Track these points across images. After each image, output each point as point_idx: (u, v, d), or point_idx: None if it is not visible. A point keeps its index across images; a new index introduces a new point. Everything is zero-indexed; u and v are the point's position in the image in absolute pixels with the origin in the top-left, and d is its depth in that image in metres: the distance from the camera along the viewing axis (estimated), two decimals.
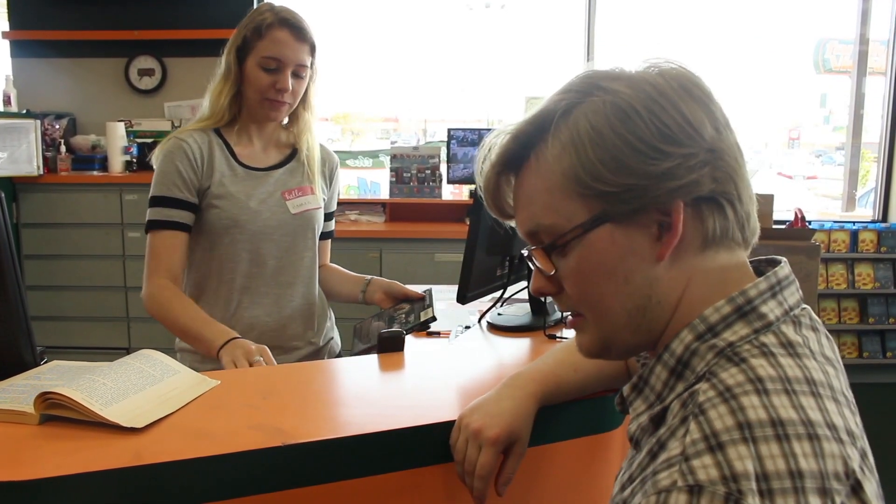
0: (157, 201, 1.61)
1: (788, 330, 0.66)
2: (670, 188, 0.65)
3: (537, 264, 0.74)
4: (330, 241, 1.89)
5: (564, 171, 0.68)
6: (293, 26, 1.59)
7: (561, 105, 0.69)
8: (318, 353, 1.78)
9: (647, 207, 0.66)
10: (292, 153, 1.75)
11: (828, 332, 0.73)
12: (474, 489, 0.96)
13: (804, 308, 0.71)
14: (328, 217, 1.84)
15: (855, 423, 0.65)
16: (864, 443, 0.65)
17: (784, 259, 0.72)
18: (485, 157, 0.76)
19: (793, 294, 0.70)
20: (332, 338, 1.85)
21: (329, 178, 1.81)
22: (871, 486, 0.60)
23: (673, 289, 0.69)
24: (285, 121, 1.75)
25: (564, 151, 0.68)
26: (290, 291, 1.71)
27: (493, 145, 0.74)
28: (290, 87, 1.61)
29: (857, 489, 0.58)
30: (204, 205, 1.63)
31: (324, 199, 1.79)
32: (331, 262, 1.89)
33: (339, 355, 1.84)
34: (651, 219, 0.67)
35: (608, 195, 0.67)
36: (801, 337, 0.66)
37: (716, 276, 0.69)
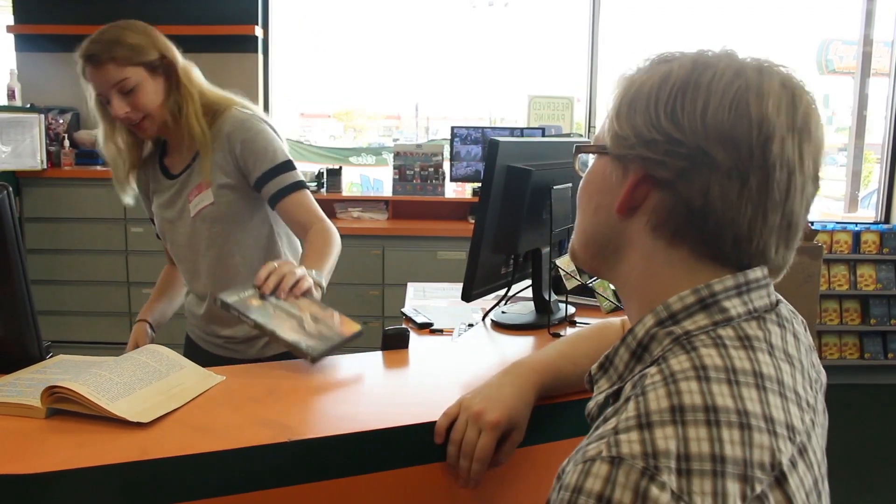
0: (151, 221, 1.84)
1: (750, 326, 0.68)
2: (644, 155, 0.69)
3: None
4: (292, 196, 1.63)
5: (614, 105, 0.75)
6: (89, 58, 1.56)
7: (661, 56, 0.74)
8: (244, 343, 1.73)
9: (629, 160, 0.71)
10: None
11: (799, 331, 0.74)
12: (471, 471, 0.97)
13: (773, 310, 0.71)
14: (265, 178, 1.62)
15: (801, 419, 0.65)
16: (806, 439, 0.65)
17: (763, 266, 0.71)
18: None
19: (762, 298, 0.70)
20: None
21: (233, 151, 1.62)
22: (797, 480, 0.61)
23: (629, 248, 0.74)
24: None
25: (620, 89, 0.74)
26: (204, 288, 1.74)
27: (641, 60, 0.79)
28: (124, 110, 1.55)
29: (781, 480, 0.60)
30: None
31: (235, 180, 1.64)
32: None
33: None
34: (628, 172, 0.72)
35: (615, 134, 0.72)
36: (764, 332, 0.68)
37: (681, 270, 0.71)
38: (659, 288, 0.71)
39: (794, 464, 0.61)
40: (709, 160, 0.66)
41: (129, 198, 1.74)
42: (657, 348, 0.69)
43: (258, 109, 1.73)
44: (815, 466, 0.65)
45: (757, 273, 0.70)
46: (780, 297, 0.75)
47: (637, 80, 0.72)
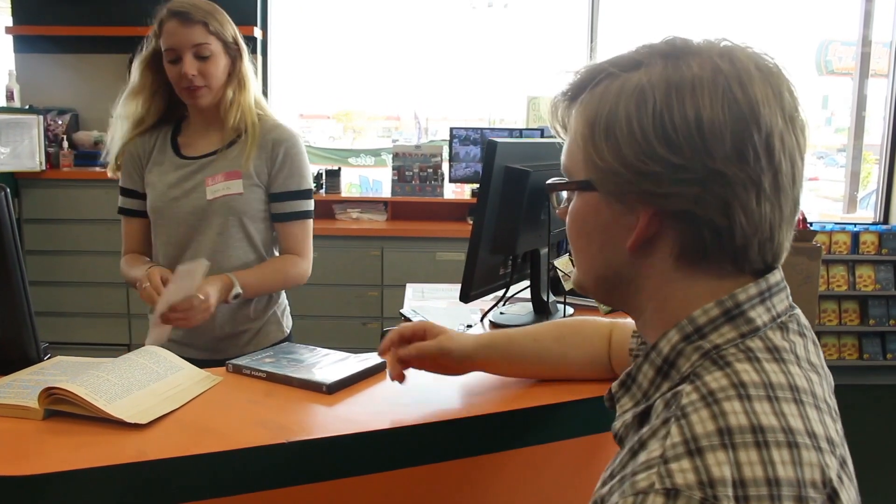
0: (120, 191, 1.83)
1: (775, 335, 0.66)
2: (648, 190, 0.65)
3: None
4: (294, 223, 1.77)
5: (582, 131, 0.70)
6: (178, 13, 1.64)
7: (615, 66, 0.69)
8: (232, 338, 1.78)
9: (628, 197, 0.67)
10: (239, 136, 1.74)
11: (815, 338, 0.73)
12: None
13: (792, 314, 0.70)
14: (282, 197, 1.75)
15: (836, 430, 0.65)
16: (843, 450, 0.65)
17: (779, 266, 0.70)
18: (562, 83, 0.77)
19: (782, 301, 0.69)
20: (260, 329, 1.82)
21: (273, 158, 1.73)
22: (848, 495, 0.61)
23: (646, 280, 0.70)
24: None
25: (586, 113, 0.69)
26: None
27: (571, 74, 0.75)
28: (194, 71, 1.64)
29: (833, 498, 0.59)
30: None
31: (262, 182, 1.73)
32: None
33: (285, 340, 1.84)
34: (632, 208, 0.67)
35: (600, 169, 0.68)
36: (788, 342, 0.66)
37: (703, 288, 0.68)
38: (679, 307, 0.68)
39: (840, 478, 0.60)
40: (721, 178, 0.63)
41: (114, 166, 1.80)
42: (685, 364, 0.66)
43: None
44: (853, 478, 0.64)
45: (776, 276, 0.69)
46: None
47: (603, 103, 0.67)
